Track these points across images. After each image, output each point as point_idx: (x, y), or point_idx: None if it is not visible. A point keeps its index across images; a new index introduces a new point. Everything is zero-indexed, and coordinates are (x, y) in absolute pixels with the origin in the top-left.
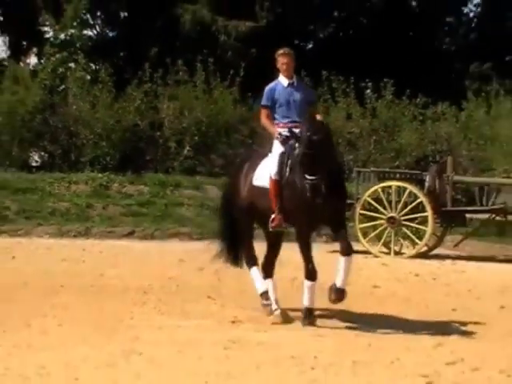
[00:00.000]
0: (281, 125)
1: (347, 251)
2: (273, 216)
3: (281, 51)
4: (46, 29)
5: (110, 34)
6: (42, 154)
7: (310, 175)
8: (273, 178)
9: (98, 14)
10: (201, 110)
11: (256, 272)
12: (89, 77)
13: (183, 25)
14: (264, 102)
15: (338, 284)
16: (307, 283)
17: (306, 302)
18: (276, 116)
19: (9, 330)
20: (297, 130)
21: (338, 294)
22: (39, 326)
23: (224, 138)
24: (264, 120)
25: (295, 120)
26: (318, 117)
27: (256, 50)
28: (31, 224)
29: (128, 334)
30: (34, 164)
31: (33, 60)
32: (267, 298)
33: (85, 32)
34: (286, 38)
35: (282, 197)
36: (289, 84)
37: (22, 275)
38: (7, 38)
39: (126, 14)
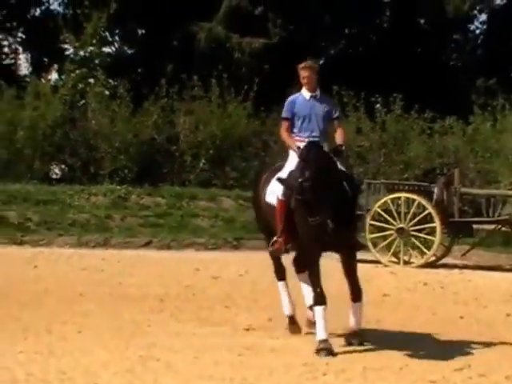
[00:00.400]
0: (300, 138)
1: (358, 298)
2: (274, 238)
3: (302, 65)
4: (66, 46)
5: (128, 51)
6: (63, 166)
7: (310, 217)
8: (279, 198)
9: (117, 31)
10: (216, 124)
11: (282, 287)
12: (107, 92)
13: (199, 42)
14: (284, 114)
15: (354, 327)
16: (316, 308)
17: (318, 333)
18: (294, 130)
19: (30, 336)
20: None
21: (356, 336)
22: (60, 332)
23: (238, 152)
24: (283, 133)
25: (315, 135)
26: (338, 135)
27: (269, 65)
28: (52, 234)
29: (145, 341)
30: (54, 177)
31: (54, 76)
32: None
33: (104, 49)
34: (297, 54)
35: (287, 219)
36: (311, 97)
37: (44, 284)
38: (29, 55)
39: (143, 31)
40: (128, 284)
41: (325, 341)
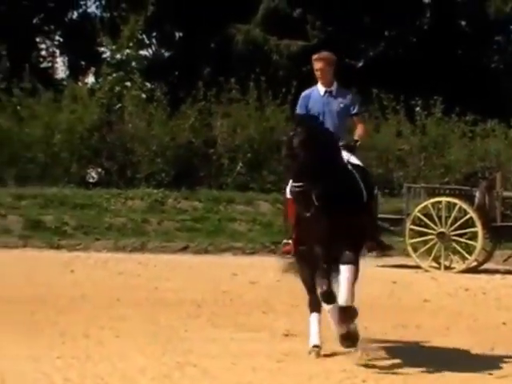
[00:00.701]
0: None
1: (348, 260)
2: (285, 240)
3: (315, 56)
4: (103, 49)
5: (165, 54)
6: (99, 170)
7: (294, 182)
8: (287, 196)
9: (154, 34)
10: (253, 128)
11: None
12: (144, 95)
13: (236, 44)
14: (297, 109)
15: (340, 301)
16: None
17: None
18: None
19: (68, 341)
20: None
21: (341, 314)
22: (97, 337)
23: (276, 155)
24: None
25: None
26: (357, 131)
27: (307, 68)
28: (89, 239)
29: (182, 346)
30: (91, 180)
31: (90, 79)
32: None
33: (140, 52)
34: (336, 56)
35: (297, 219)
36: (326, 92)
37: (81, 288)
38: (66, 59)
39: (180, 34)
40: (165, 289)
41: (316, 346)
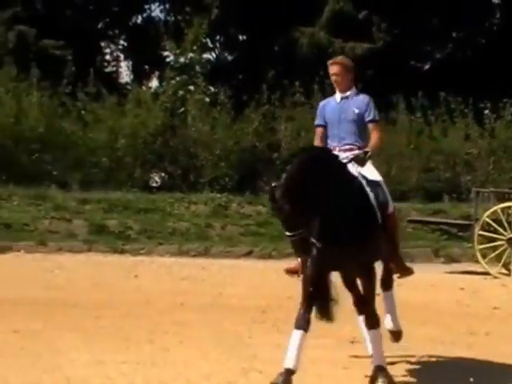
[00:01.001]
0: (335, 148)
1: (372, 325)
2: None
3: (330, 61)
4: (166, 53)
5: (229, 57)
6: (163, 174)
7: (287, 231)
8: None
9: (217, 37)
10: None
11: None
12: (208, 99)
13: (300, 47)
14: (316, 120)
15: (377, 361)
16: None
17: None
18: (328, 139)
19: (132, 346)
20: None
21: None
22: (161, 342)
23: None
24: (316, 142)
25: (347, 142)
26: (371, 140)
27: (373, 70)
28: (152, 243)
29: (247, 352)
30: (154, 185)
31: (154, 83)
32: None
33: (204, 55)
34: (402, 58)
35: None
36: (342, 99)
37: (144, 293)
38: (130, 63)
39: (244, 37)
40: (229, 294)
41: (288, 371)
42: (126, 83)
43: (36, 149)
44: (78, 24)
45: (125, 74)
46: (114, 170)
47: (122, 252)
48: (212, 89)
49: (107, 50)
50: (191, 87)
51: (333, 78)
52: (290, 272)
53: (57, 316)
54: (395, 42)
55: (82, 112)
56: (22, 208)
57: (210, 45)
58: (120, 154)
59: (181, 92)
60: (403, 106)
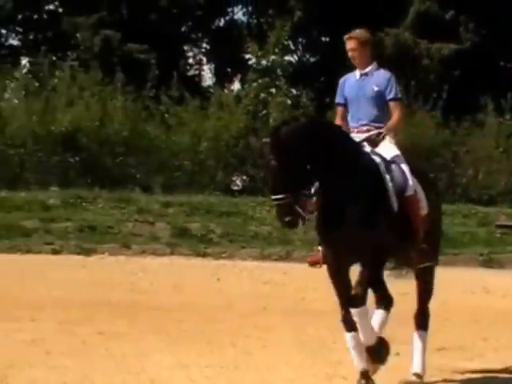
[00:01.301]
0: (353, 129)
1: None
2: (315, 247)
3: (346, 35)
4: (248, 56)
5: (311, 59)
6: (244, 178)
7: (271, 194)
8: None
9: (300, 39)
10: (402, 134)
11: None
12: (290, 102)
13: (385, 48)
14: (336, 98)
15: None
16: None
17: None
18: (348, 118)
19: (215, 349)
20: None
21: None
22: (244, 346)
23: (425, 163)
24: (336, 122)
25: (364, 123)
26: (391, 120)
27: (460, 72)
28: (234, 247)
29: (331, 358)
30: (235, 188)
31: (236, 86)
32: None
33: (286, 58)
34: (491, 59)
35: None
36: (361, 75)
37: (227, 297)
38: (213, 66)
39: (327, 39)
40: (312, 299)
41: (364, 374)
42: (209, 86)
43: (120, 152)
44: (162, 28)
45: (207, 77)
46: (196, 173)
47: (205, 255)
48: (294, 91)
49: (190, 54)
50: (273, 90)
51: (350, 54)
52: (313, 263)
53: (140, 318)
54: (483, 42)
55: (166, 115)
56: (107, 211)
57: (292, 47)
58: (202, 157)
59: (262, 94)
60: (491, 108)
